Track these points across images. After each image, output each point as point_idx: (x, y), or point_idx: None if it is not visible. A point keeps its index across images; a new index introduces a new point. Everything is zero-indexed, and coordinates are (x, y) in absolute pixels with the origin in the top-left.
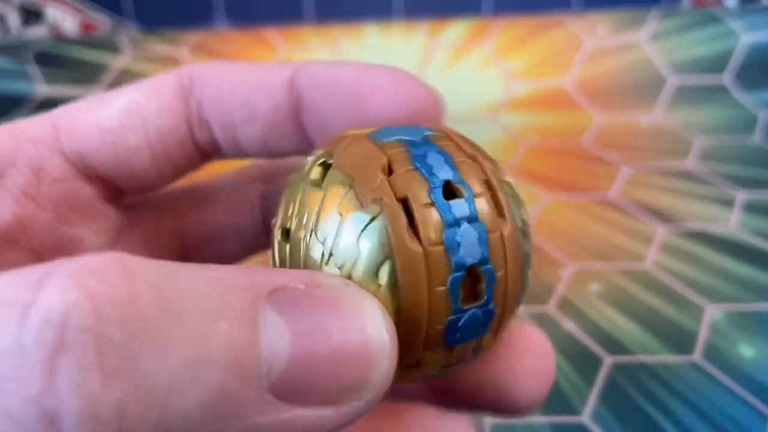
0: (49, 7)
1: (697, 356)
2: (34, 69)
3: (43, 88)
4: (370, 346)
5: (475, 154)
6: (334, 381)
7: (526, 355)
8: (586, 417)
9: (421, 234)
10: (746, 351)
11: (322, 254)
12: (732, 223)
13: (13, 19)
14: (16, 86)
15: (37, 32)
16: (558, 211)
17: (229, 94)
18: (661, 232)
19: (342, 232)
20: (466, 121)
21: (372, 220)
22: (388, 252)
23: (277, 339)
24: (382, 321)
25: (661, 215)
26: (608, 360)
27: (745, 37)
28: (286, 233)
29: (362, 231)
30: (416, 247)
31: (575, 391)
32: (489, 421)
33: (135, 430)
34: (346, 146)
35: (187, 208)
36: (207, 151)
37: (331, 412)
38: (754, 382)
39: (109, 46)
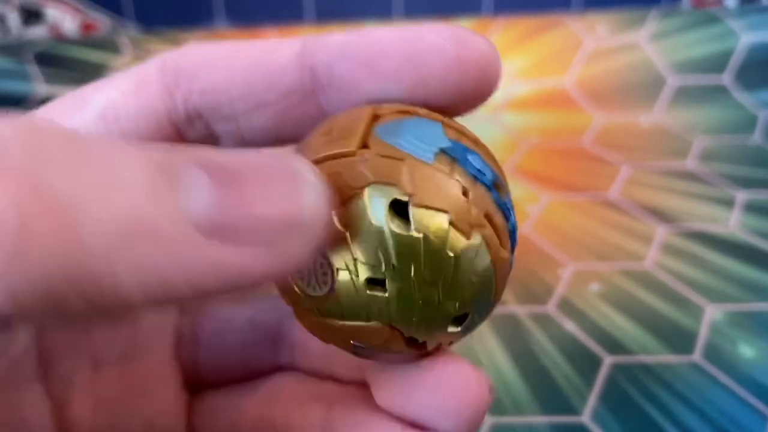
0: (49, 7)
1: (697, 356)
2: (34, 69)
3: (43, 88)
4: (300, 184)
5: (476, 138)
6: (263, 215)
7: (449, 392)
8: (585, 417)
9: (503, 242)
10: (746, 351)
11: (438, 292)
12: (732, 223)
13: (13, 19)
14: (16, 86)
15: (37, 32)
16: (558, 211)
17: (226, 83)
18: (661, 232)
19: (457, 270)
20: (466, 121)
21: (478, 249)
22: (492, 268)
23: (196, 185)
24: (317, 179)
25: (661, 215)
26: (608, 360)
27: (745, 37)
28: (379, 282)
29: (474, 261)
30: (506, 255)
31: (575, 391)
32: (489, 420)
33: (39, 230)
34: (409, 173)
35: None
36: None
37: (263, 251)
38: (754, 382)
39: (109, 46)
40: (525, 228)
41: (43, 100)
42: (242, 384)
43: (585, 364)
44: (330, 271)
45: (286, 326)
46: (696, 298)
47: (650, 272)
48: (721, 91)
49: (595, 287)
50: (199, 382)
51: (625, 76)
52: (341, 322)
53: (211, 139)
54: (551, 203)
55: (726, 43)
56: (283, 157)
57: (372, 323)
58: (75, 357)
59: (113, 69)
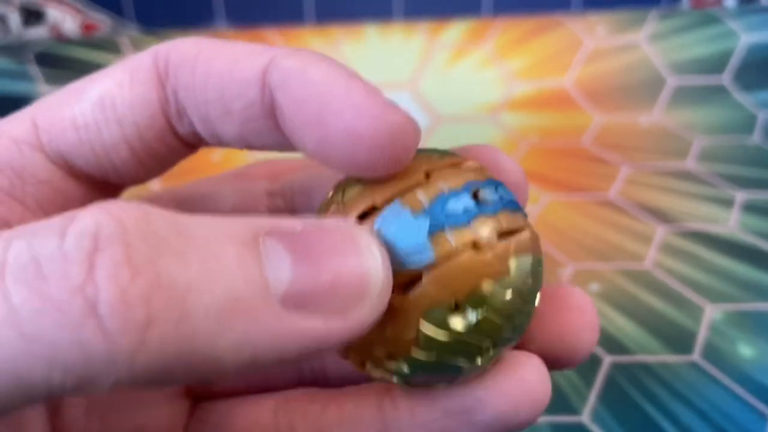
0: (49, 7)
1: (696, 356)
2: (34, 69)
3: (43, 88)
4: (366, 261)
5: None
6: (337, 285)
7: (573, 311)
8: (585, 417)
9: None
10: (746, 351)
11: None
12: (731, 223)
13: (14, 19)
14: (16, 86)
15: (38, 32)
16: (558, 211)
17: (202, 85)
18: (660, 232)
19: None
20: (466, 121)
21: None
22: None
23: (279, 259)
24: (376, 247)
25: (661, 215)
26: (608, 360)
27: (745, 37)
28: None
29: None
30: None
31: (575, 390)
32: None
33: (161, 321)
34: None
35: (192, 207)
36: (191, 141)
37: (339, 318)
38: (754, 381)
39: (110, 46)
40: None
41: None
42: (253, 394)
43: (585, 363)
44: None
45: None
46: (695, 298)
47: (650, 272)
48: (720, 91)
49: (594, 287)
50: (210, 390)
51: (624, 77)
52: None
53: (195, 137)
54: (551, 203)
55: (725, 43)
56: (349, 227)
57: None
58: None
59: None
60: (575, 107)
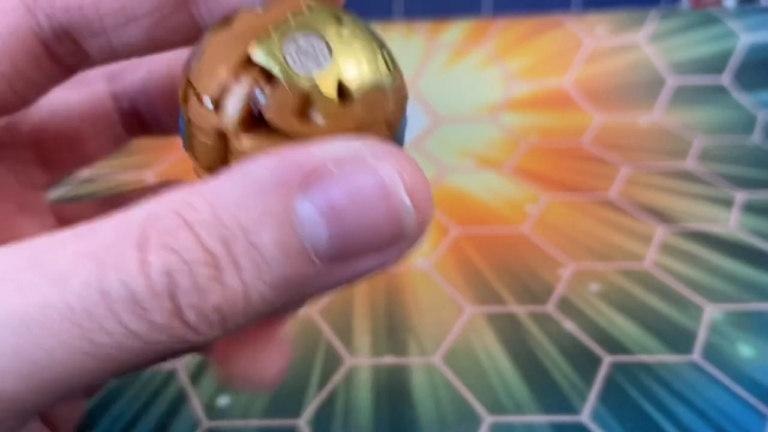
0: None
1: (696, 356)
2: None
3: None
4: (397, 209)
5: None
6: (373, 242)
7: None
8: (585, 416)
9: None
10: (745, 351)
11: None
12: (731, 223)
13: None
14: None
15: None
16: (557, 211)
17: (93, 1)
18: (660, 232)
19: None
20: (466, 121)
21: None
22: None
23: (315, 230)
24: (401, 184)
25: (661, 215)
26: (607, 359)
27: (745, 37)
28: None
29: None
30: None
31: (575, 390)
32: (488, 420)
33: (228, 320)
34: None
35: (50, 125)
36: (72, 63)
37: (379, 256)
38: (754, 381)
39: None
40: (524, 228)
41: None
42: None
43: (584, 363)
44: None
45: None
46: (695, 297)
47: (650, 272)
48: (720, 91)
49: (594, 287)
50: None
51: (624, 77)
52: None
53: (80, 53)
54: (551, 203)
55: (725, 43)
56: (380, 178)
57: None
58: None
59: None
60: (575, 107)
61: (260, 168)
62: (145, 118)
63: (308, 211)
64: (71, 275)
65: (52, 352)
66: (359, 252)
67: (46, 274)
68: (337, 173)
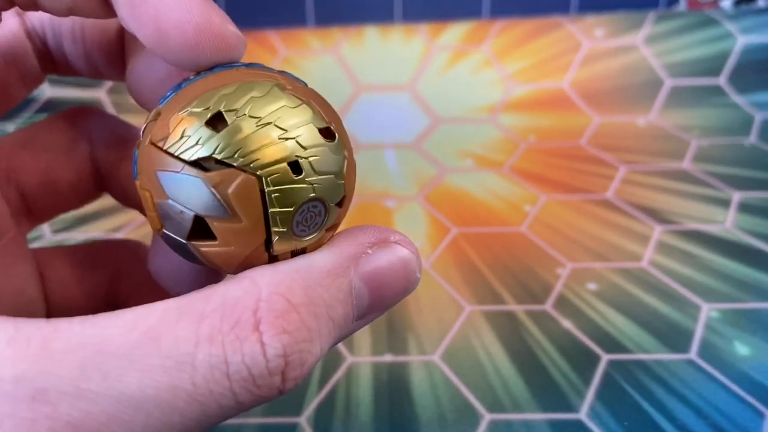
0: None
1: (693, 354)
2: None
3: (46, 90)
4: (413, 284)
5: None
6: (389, 303)
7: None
8: (583, 414)
9: None
10: (742, 349)
11: None
12: (728, 223)
13: None
14: None
15: None
16: (556, 211)
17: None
18: (657, 232)
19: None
20: (465, 122)
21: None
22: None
23: (362, 300)
24: (418, 267)
25: (658, 215)
26: (605, 358)
27: (741, 39)
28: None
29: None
30: None
31: (573, 388)
32: (487, 418)
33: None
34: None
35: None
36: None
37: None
38: (750, 379)
39: None
40: (523, 228)
41: (48, 103)
42: None
43: (582, 361)
44: None
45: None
46: (692, 296)
47: (647, 271)
48: (717, 92)
49: (592, 286)
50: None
51: (622, 78)
52: None
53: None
54: (549, 203)
55: (722, 45)
56: (404, 259)
57: None
58: None
59: None
60: (573, 108)
61: (323, 256)
62: (54, 55)
63: (361, 289)
64: (196, 357)
65: (173, 426)
66: (381, 307)
67: (171, 356)
68: (372, 254)
